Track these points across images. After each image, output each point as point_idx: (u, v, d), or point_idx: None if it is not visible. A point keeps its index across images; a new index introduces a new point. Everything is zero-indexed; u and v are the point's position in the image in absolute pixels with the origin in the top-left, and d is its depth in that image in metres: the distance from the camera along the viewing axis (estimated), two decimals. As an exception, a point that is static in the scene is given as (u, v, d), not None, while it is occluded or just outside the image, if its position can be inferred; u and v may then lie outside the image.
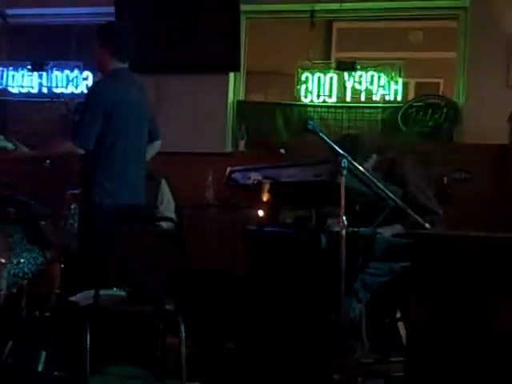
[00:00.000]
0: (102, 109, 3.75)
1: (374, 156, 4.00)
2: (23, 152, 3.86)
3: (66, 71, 6.27)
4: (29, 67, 6.28)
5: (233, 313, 4.08)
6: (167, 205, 4.84)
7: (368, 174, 3.35)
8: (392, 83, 5.83)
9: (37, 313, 3.90)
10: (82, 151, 3.76)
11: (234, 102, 6.03)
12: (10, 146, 3.81)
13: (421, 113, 5.69)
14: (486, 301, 2.71)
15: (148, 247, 3.39)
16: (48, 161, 3.97)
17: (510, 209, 5.08)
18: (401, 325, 3.73)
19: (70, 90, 6.23)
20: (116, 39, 3.91)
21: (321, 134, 3.36)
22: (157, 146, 4.18)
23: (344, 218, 3.19)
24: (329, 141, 3.35)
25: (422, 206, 3.75)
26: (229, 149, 5.95)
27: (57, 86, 6.25)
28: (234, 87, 6.05)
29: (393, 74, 5.82)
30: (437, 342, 2.80)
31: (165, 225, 3.93)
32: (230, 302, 4.20)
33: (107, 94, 3.81)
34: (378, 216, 3.50)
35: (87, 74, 6.23)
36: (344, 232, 3.20)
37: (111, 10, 5.82)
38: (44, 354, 3.22)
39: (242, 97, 6.13)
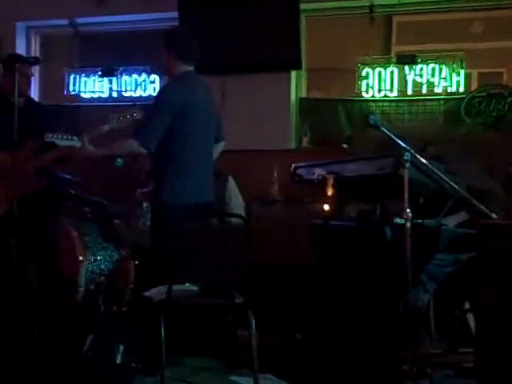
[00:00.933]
0: (169, 110, 3.81)
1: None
2: (89, 150, 3.91)
3: (134, 75, 6.40)
4: (99, 73, 6.44)
5: (300, 305, 4.11)
6: (236, 201, 4.90)
7: (431, 166, 3.32)
8: (454, 75, 5.72)
9: (114, 308, 4.00)
10: (144, 151, 3.81)
11: (296, 100, 6.04)
12: (76, 143, 3.87)
13: (484, 103, 5.58)
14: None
15: (218, 243, 3.42)
16: (119, 160, 4.05)
17: None
18: (470, 316, 3.69)
19: (139, 93, 6.37)
20: (180, 43, 3.97)
21: (382, 128, 3.35)
22: (221, 146, 4.23)
23: (408, 210, 3.18)
24: (391, 135, 3.34)
25: (480, 190, 3.66)
26: (292, 145, 5.96)
27: (126, 90, 6.41)
28: (296, 85, 6.06)
29: (454, 66, 5.72)
30: (506, 331, 2.76)
31: (234, 221, 3.98)
32: (297, 294, 4.23)
33: (175, 95, 3.86)
34: (441, 207, 3.47)
35: (154, 77, 6.35)
36: (409, 224, 3.18)
37: (175, 14, 5.91)
38: (122, 346, 3.31)
39: (303, 94, 6.14)
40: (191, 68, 3.99)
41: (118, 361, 3.28)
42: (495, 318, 2.81)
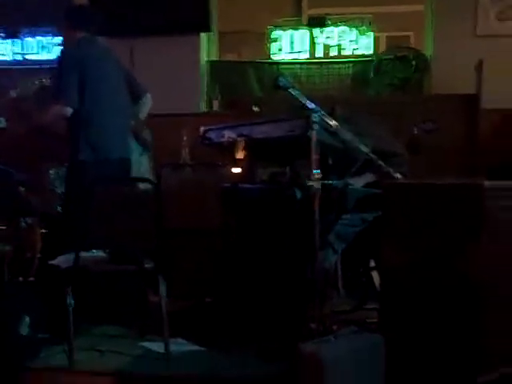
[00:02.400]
0: (75, 69, 3.84)
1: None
2: (17, 130, 3.87)
3: (39, 37, 6.16)
4: (1, 35, 6.16)
5: (211, 269, 4.11)
6: (145, 167, 4.81)
7: (339, 128, 3.34)
8: (363, 37, 5.79)
9: (20, 278, 3.88)
10: (70, 110, 3.82)
11: (207, 63, 5.96)
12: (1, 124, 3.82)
13: (391, 65, 5.67)
14: (452, 244, 2.74)
15: (126, 208, 3.37)
16: None
17: (479, 156, 5.11)
18: (375, 274, 3.77)
19: (44, 56, 6.12)
20: (80, 16, 4.07)
21: (291, 90, 3.33)
22: (147, 100, 4.27)
23: (317, 171, 3.19)
24: (299, 97, 3.33)
25: (386, 151, 3.72)
26: (203, 109, 5.90)
27: (30, 53, 6.16)
28: (208, 48, 5.98)
29: (363, 28, 5.78)
30: (408, 285, 2.84)
31: (142, 186, 3.91)
32: (208, 258, 4.22)
33: (76, 55, 3.91)
34: (349, 168, 3.50)
35: (60, 39, 6.11)
36: (317, 185, 3.20)
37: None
38: (28, 317, 3.23)
39: (215, 57, 6.06)
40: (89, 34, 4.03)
41: (24, 332, 3.20)
42: (397, 275, 2.88)
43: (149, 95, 4.28)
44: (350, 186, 3.51)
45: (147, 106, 4.28)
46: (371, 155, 3.44)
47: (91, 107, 3.87)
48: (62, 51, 4.16)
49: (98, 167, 3.80)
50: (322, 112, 3.25)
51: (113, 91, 4.01)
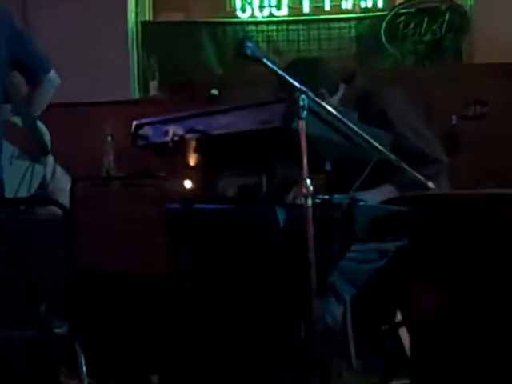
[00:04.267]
0: None
1: (342, 87, 4.02)
2: None
3: None
4: None
5: (156, 332, 4.10)
6: (58, 182, 4.81)
7: (339, 115, 3.36)
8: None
9: None
10: None
11: (136, 25, 6.00)
12: None
13: (413, 23, 5.77)
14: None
15: (22, 243, 3.36)
16: None
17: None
18: (403, 331, 3.79)
19: None
20: None
21: (264, 60, 3.36)
22: (49, 81, 4.29)
23: (309, 181, 3.20)
24: (278, 70, 3.36)
25: (418, 152, 3.78)
26: (135, 94, 5.97)
27: None
28: (136, 4, 6.02)
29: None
30: (453, 346, 2.85)
31: (50, 210, 3.92)
32: (151, 315, 4.22)
33: None
34: (359, 175, 3.52)
35: None
36: (310, 202, 3.21)
37: None
38: None
39: (148, 17, 6.11)
40: None
41: None
42: (436, 332, 2.89)
43: (52, 74, 4.31)
44: (360, 203, 3.54)
45: (49, 86, 4.33)
46: (389, 154, 3.47)
47: None
48: None
49: None
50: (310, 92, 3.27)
51: None
